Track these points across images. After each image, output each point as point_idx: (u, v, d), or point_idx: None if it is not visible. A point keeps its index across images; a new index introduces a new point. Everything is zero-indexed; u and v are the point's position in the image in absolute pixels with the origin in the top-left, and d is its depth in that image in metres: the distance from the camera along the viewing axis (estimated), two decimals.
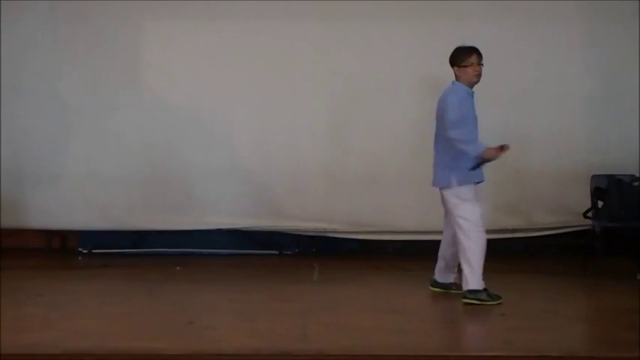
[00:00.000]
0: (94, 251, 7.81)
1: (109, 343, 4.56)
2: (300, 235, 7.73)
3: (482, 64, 5.57)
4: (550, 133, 7.31)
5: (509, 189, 7.36)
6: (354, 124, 7.38)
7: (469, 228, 5.56)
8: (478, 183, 5.66)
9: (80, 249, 7.85)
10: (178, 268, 7.04)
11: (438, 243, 7.40)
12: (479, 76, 5.57)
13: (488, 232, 7.34)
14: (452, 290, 5.81)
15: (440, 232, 7.31)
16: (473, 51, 5.60)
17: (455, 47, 5.66)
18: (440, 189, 5.72)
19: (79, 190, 7.46)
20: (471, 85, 5.64)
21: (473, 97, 5.66)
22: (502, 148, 5.44)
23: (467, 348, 4.43)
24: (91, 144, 7.47)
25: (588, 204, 7.01)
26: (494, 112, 7.29)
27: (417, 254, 7.50)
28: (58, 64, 7.44)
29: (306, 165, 7.42)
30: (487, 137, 7.27)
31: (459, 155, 5.56)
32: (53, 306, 5.48)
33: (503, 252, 7.62)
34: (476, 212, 5.58)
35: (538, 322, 5.05)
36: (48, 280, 6.59)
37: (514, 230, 7.49)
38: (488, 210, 7.36)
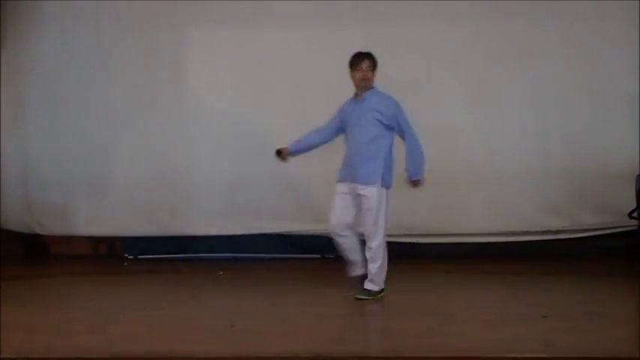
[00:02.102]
0: (139, 257, 7.95)
1: (153, 346, 4.64)
2: None
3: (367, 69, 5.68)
4: (594, 132, 7.21)
5: (553, 190, 7.29)
6: None
7: None
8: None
9: (126, 255, 7.99)
10: (221, 272, 7.11)
11: (481, 246, 7.44)
12: (362, 80, 5.67)
13: (531, 233, 7.37)
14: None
15: (484, 235, 7.37)
16: (363, 56, 5.71)
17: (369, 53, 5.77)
18: (366, 186, 5.57)
19: (125, 197, 7.61)
20: (357, 89, 5.72)
21: (355, 99, 5.77)
22: None
23: (507, 350, 4.39)
24: (135, 152, 7.62)
25: (633, 204, 6.91)
26: (537, 112, 7.26)
27: (460, 256, 7.47)
28: (104, 73, 7.61)
29: None
30: (530, 138, 7.28)
31: (390, 153, 5.63)
32: (100, 311, 5.61)
33: (546, 253, 7.58)
34: None
35: (581, 324, 4.98)
36: (95, 286, 6.75)
37: (558, 231, 7.39)
38: (532, 211, 7.32)
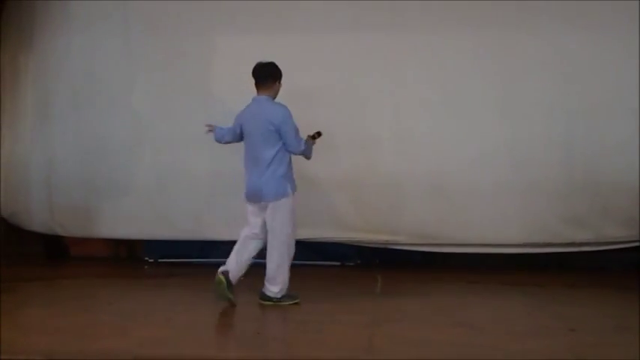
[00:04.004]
0: (159, 260, 7.94)
1: (178, 351, 4.65)
2: (363, 246, 7.71)
3: None
4: (619, 144, 7.11)
5: (578, 202, 7.19)
6: (419, 134, 7.33)
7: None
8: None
9: (146, 258, 7.99)
10: (242, 277, 7.07)
11: (504, 256, 7.40)
12: None
13: (554, 245, 7.31)
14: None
15: (507, 246, 7.32)
16: None
17: (269, 63, 5.99)
18: (273, 200, 5.87)
19: (148, 200, 7.58)
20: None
21: None
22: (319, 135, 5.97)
23: None
24: (159, 155, 7.58)
25: None
26: (562, 123, 7.20)
27: (481, 267, 7.43)
28: (130, 75, 7.58)
29: (369, 176, 7.39)
30: (555, 149, 7.22)
31: (290, 166, 5.94)
32: (123, 314, 5.61)
33: (569, 265, 7.53)
34: None
35: (610, 338, 4.95)
36: (116, 289, 6.73)
37: (581, 244, 7.32)
38: (556, 222, 7.26)
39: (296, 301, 5.94)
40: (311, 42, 7.16)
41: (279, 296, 5.87)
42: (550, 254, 7.40)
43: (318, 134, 5.96)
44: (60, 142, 7.68)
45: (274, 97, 5.97)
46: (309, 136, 5.94)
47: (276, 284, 5.88)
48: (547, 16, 7.13)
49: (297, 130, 5.88)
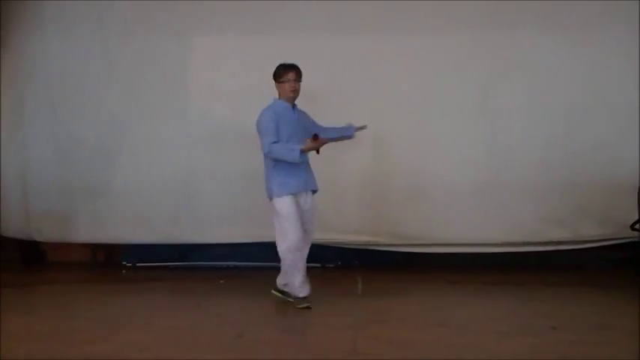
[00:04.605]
0: (137, 265, 7.86)
1: (161, 356, 4.60)
2: (343, 247, 7.70)
3: (299, 82, 5.91)
4: (597, 144, 7.21)
5: (556, 201, 7.28)
6: (399, 136, 7.35)
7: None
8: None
9: (124, 262, 7.91)
10: (222, 281, 7.05)
11: (483, 255, 7.44)
12: (295, 92, 5.87)
13: (532, 244, 7.36)
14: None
15: (485, 245, 7.36)
16: (291, 68, 5.87)
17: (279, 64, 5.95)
18: (312, 193, 6.01)
19: (126, 204, 7.51)
20: (289, 100, 5.88)
21: (294, 110, 5.94)
22: (315, 138, 5.71)
23: None
24: (137, 158, 7.52)
25: (635, 216, 6.91)
26: (541, 124, 7.27)
27: (461, 266, 7.46)
28: (107, 78, 7.52)
29: (350, 177, 7.40)
30: (534, 149, 7.27)
31: (282, 169, 5.81)
32: (103, 319, 5.54)
33: (547, 264, 7.59)
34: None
35: (592, 336, 4.98)
36: (96, 294, 6.64)
37: (559, 242, 7.38)
38: (534, 222, 7.32)
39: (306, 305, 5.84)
40: (287, 43, 7.13)
41: (285, 289, 5.97)
42: (529, 253, 7.46)
43: (315, 136, 5.76)
44: (36, 146, 7.59)
45: (286, 98, 5.92)
46: (308, 139, 5.80)
47: (284, 278, 6.00)
48: (527, 17, 7.20)
49: (265, 133, 5.77)
